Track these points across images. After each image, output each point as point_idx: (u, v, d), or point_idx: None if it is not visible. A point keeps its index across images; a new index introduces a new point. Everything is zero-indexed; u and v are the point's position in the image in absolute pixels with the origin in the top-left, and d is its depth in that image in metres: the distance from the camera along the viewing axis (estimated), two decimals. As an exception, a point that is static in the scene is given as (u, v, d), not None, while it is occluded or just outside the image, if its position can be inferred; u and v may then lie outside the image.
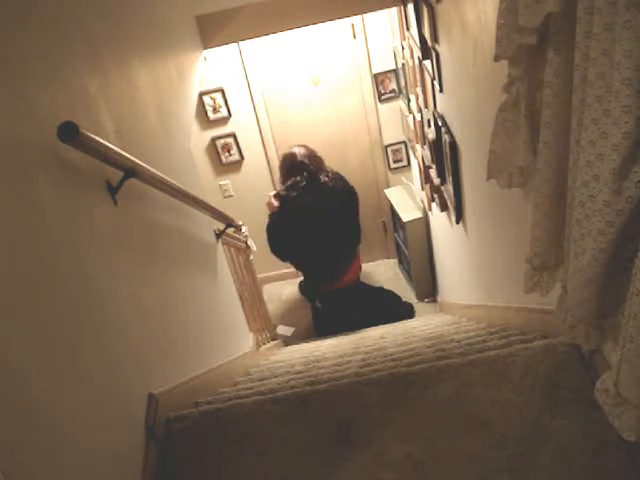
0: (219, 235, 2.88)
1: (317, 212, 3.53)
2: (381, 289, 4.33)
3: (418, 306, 4.39)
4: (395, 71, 4.26)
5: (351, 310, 4.03)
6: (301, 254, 3.73)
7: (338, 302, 3.98)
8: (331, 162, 4.52)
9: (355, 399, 1.60)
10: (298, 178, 3.53)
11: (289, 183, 3.58)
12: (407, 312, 4.22)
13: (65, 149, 1.19)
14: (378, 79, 4.30)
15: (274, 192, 3.71)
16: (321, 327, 4.15)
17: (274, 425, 1.58)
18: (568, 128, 1.04)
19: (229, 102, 4.27)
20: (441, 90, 2.61)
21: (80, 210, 1.28)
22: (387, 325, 3.88)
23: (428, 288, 4.42)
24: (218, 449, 1.55)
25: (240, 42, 3.79)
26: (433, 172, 3.23)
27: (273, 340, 3.98)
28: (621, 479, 1.30)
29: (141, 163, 1.54)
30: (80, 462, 1.08)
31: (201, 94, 4.13)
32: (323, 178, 3.56)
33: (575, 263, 1.05)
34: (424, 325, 3.31)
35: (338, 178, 3.66)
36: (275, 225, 3.64)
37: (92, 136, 1.23)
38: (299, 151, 3.58)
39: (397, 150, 4.60)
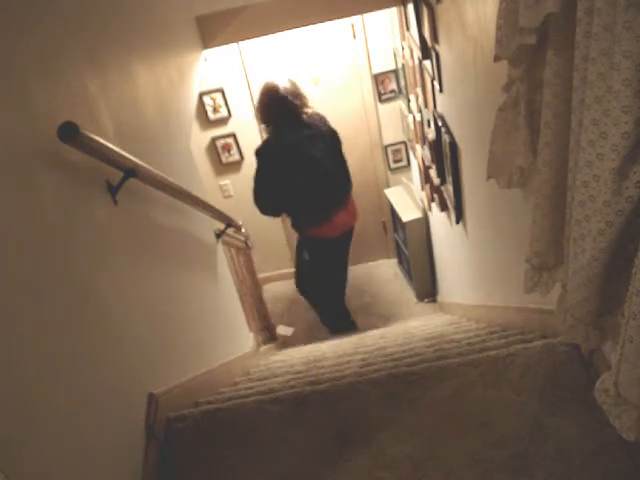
0: (219, 235, 2.88)
1: (301, 151, 3.27)
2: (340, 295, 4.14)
3: (418, 306, 4.39)
4: (395, 71, 4.26)
5: (335, 261, 3.83)
6: (287, 196, 3.43)
7: (326, 253, 3.73)
8: (331, 162, 4.53)
9: (355, 399, 1.60)
10: (279, 116, 3.24)
11: (271, 123, 3.31)
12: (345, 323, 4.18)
13: (65, 149, 1.19)
14: (378, 79, 4.30)
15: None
16: (305, 283, 4.01)
17: (274, 425, 1.58)
18: (568, 128, 1.04)
19: (229, 102, 4.27)
20: (441, 90, 2.61)
21: (80, 210, 1.28)
22: (387, 325, 3.88)
23: (428, 288, 4.42)
24: (218, 449, 1.55)
25: (240, 42, 3.79)
26: (433, 172, 3.23)
27: (273, 340, 3.98)
28: (621, 479, 1.30)
29: (141, 163, 1.54)
30: (80, 462, 1.08)
31: (201, 94, 4.13)
32: (305, 117, 3.28)
33: (575, 263, 1.05)
34: (424, 325, 3.31)
35: (321, 118, 3.40)
36: (261, 170, 3.35)
37: (92, 136, 1.23)
38: (283, 85, 3.23)
39: (397, 150, 4.60)
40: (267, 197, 3.41)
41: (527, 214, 1.36)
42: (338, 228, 3.57)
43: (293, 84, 3.28)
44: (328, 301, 4.12)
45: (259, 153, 3.31)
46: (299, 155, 3.28)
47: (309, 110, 3.32)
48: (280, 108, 3.23)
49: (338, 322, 4.17)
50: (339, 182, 3.52)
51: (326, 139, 3.38)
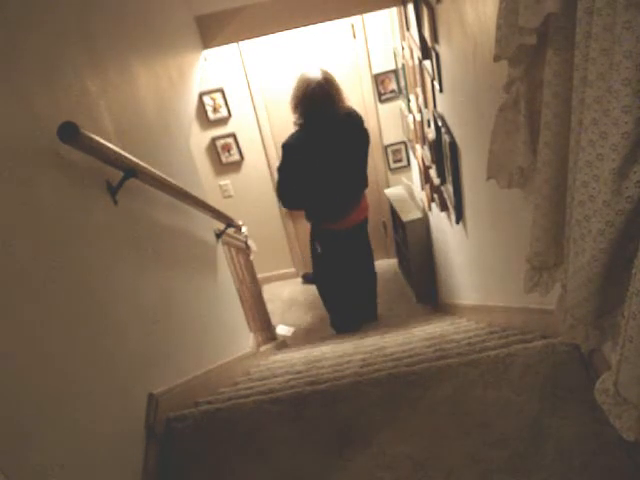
0: (219, 235, 2.88)
1: (326, 148, 3.24)
2: (371, 273, 4.14)
3: (418, 306, 4.39)
4: (395, 71, 4.26)
5: (350, 253, 3.83)
6: (309, 191, 3.40)
7: (338, 244, 3.73)
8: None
9: (355, 399, 1.60)
10: (310, 110, 3.15)
11: (300, 117, 3.22)
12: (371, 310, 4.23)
13: (65, 149, 1.19)
14: (378, 79, 4.31)
15: None
16: (321, 272, 3.98)
17: (274, 425, 1.58)
18: (568, 128, 1.04)
19: (229, 102, 4.27)
20: (441, 90, 2.61)
21: (80, 210, 1.28)
22: (387, 325, 3.88)
23: (428, 288, 4.42)
24: (218, 449, 1.55)
25: (240, 42, 3.79)
26: (433, 172, 3.23)
27: (273, 340, 3.98)
28: (621, 479, 1.30)
29: (141, 163, 1.54)
30: (80, 462, 1.08)
31: (201, 94, 4.14)
32: (336, 113, 3.18)
33: (575, 263, 1.05)
34: (424, 325, 3.31)
35: (353, 115, 3.33)
36: (285, 164, 3.31)
37: (92, 136, 1.23)
38: (318, 80, 3.10)
39: (397, 150, 4.61)
40: (289, 190, 3.40)
41: (527, 214, 1.36)
42: (350, 222, 3.62)
43: (328, 79, 3.15)
44: (338, 296, 4.07)
45: (285, 146, 3.28)
46: (321, 154, 3.26)
47: (343, 106, 3.22)
48: (311, 102, 3.13)
49: (347, 320, 4.14)
50: (357, 184, 3.53)
51: (353, 139, 3.34)
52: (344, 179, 3.40)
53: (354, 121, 3.32)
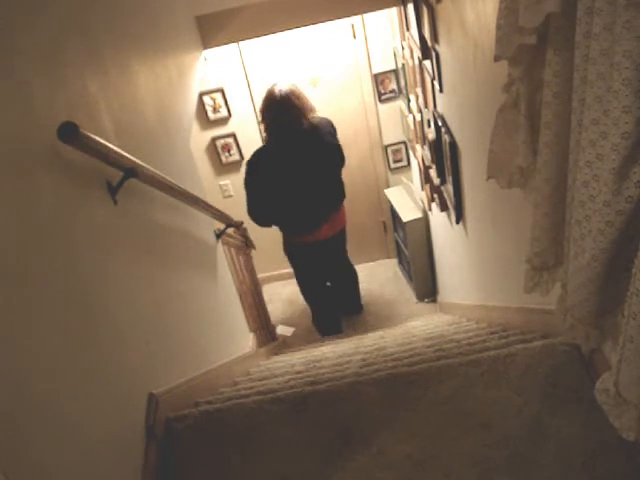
0: (219, 235, 2.88)
1: (291, 161, 3.20)
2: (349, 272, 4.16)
3: (418, 306, 4.39)
4: (395, 71, 4.26)
5: (322, 264, 3.85)
6: (277, 206, 3.37)
7: (308, 257, 3.74)
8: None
9: (355, 399, 1.60)
10: (274, 124, 3.16)
11: (265, 131, 3.24)
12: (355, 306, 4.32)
13: (65, 149, 1.19)
14: (378, 79, 4.30)
15: None
16: (297, 278, 4.01)
17: (274, 425, 1.58)
18: (568, 128, 1.04)
19: (229, 102, 4.27)
20: (441, 90, 2.61)
21: (80, 210, 1.28)
22: (387, 325, 3.88)
23: (428, 288, 4.42)
24: (218, 449, 1.55)
25: (240, 42, 3.79)
26: (433, 172, 3.23)
27: (273, 340, 3.98)
28: (621, 479, 1.30)
29: (141, 163, 1.54)
30: (80, 462, 1.08)
31: (201, 94, 4.13)
32: (302, 127, 3.14)
33: (575, 263, 1.05)
34: (424, 325, 3.31)
35: (322, 127, 3.22)
36: (249, 178, 3.33)
37: (92, 136, 1.23)
38: (280, 91, 3.09)
39: (397, 150, 4.60)
40: (259, 207, 3.40)
41: (527, 214, 1.36)
42: (321, 235, 3.56)
43: (293, 92, 3.10)
44: (316, 304, 4.17)
45: (247, 163, 3.36)
46: (286, 167, 3.23)
47: (311, 118, 3.17)
48: (275, 116, 3.13)
49: (327, 324, 4.22)
50: (329, 197, 3.46)
51: (319, 151, 3.23)
52: (313, 192, 3.33)
53: (321, 133, 3.21)
